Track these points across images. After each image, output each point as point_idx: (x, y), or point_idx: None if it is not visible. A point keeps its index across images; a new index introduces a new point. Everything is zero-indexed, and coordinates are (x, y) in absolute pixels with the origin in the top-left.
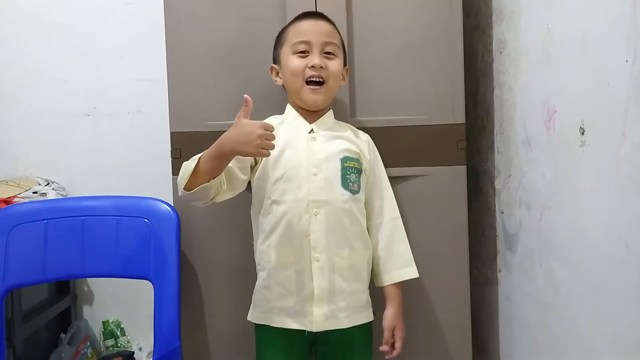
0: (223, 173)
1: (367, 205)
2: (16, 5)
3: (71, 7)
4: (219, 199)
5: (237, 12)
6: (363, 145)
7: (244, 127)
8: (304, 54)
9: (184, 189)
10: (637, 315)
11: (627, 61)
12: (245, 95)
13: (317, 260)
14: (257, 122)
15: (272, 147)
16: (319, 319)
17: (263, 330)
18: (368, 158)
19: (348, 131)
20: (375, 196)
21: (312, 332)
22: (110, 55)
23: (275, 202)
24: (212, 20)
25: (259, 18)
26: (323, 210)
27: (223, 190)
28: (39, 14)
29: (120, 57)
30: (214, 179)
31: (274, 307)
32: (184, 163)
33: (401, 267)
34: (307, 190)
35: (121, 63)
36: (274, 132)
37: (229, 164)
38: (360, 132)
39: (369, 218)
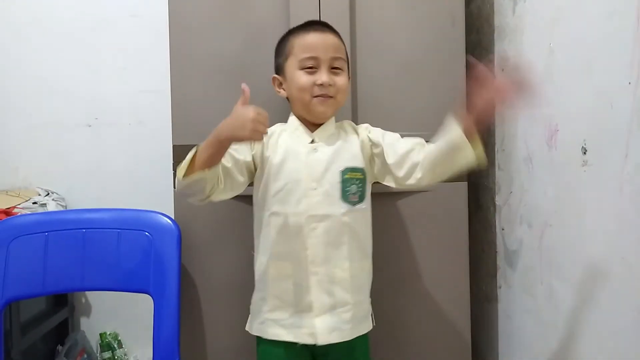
0: (221, 171)
1: (403, 163)
2: (19, 15)
3: (75, 17)
4: (216, 198)
5: (241, 25)
6: (365, 141)
7: (237, 112)
8: (311, 69)
9: (182, 177)
10: (638, 335)
11: (629, 83)
12: (242, 85)
13: (316, 274)
14: (250, 106)
15: (266, 131)
16: (323, 332)
17: (265, 344)
18: (377, 142)
19: (349, 134)
20: (400, 152)
21: (312, 345)
22: (113, 66)
23: (275, 214)
24: (216, 33)
25: (263, 31)
26: (322, 224)
27: (220, 188)
28: (42, 23)
29: (123, 68)
30: (209, 169)
31: (268, 319)
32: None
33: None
34: (305, 205)
35: (124, 74)
36: (275, 137)
37: (227, 164)
38: (361, 128)
39: (411, 166)
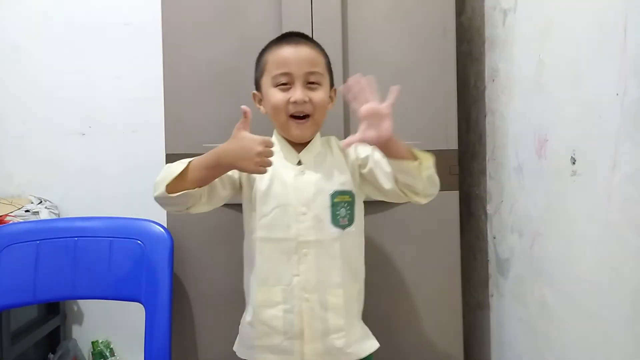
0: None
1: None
2: (13, 23)
3: (68, 25)
4: (195, 211)
5: (234, 34)
6: (354, 163)
7: (243, 141)
8: (285, 85)
9: (166, 191)
10: (629, 345)
11: (617, 94)
12: (242, 107)
13: (307, 301)
14: (257, 137)
15: (270, 164)
16: (313, 357)
17: None
18: (364, 162)
19: (336, 153)
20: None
21: None
22: (107, 75)
23: (264, 239)
24: (209, 41)
25: (257, 39)
26: (313, 250)
27: (202, 202)
28: (36, 31)
29: (116, 77)
30: (199, 187)
31: (257, 346)
32: (168, 165)
33: None
34: (295, 231)
35: (117, 82)
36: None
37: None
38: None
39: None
